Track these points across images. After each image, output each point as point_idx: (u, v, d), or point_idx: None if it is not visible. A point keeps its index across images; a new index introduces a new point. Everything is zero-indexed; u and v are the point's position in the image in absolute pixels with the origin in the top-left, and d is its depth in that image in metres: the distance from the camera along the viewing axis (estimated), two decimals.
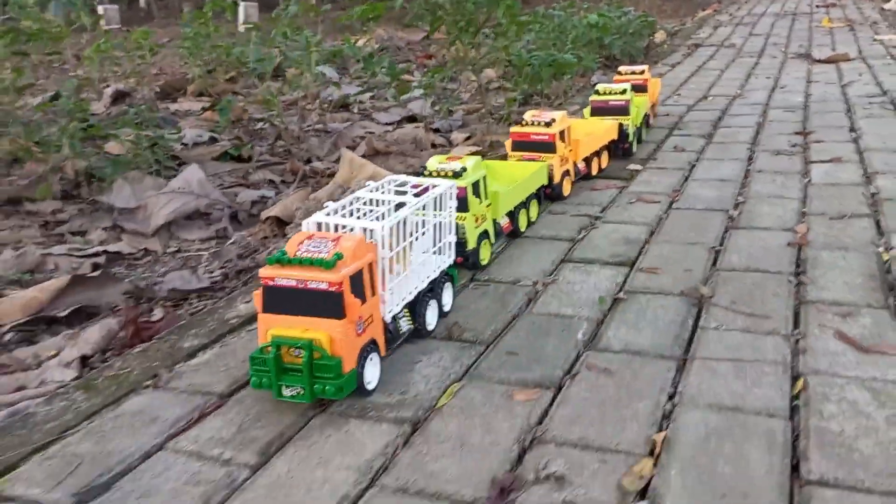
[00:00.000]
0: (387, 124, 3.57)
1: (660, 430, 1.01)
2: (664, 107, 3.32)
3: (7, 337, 1.54)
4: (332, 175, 2.62)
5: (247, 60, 2.90)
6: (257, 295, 1.09)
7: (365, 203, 1.33)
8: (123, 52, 3.41)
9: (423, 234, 1.33)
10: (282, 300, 1.07)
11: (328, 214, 1.24)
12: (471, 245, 1.54)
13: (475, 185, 1.55)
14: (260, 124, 3.48)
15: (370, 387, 1.12)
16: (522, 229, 1.81)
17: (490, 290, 1.50)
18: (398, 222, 1.22)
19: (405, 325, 1.25)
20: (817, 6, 8.22)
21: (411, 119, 3.60)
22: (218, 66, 4.34)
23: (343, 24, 3.53)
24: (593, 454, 0.97)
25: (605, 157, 2.33)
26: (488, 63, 3.09)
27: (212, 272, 1.85)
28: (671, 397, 1.10)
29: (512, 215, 1.75)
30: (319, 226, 1.22)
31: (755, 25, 6.85)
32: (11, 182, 2.48)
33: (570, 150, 2.09)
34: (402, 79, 2.82)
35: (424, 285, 1.31)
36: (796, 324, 1.30)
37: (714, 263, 1.58)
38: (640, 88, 2.68)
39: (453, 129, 3.29)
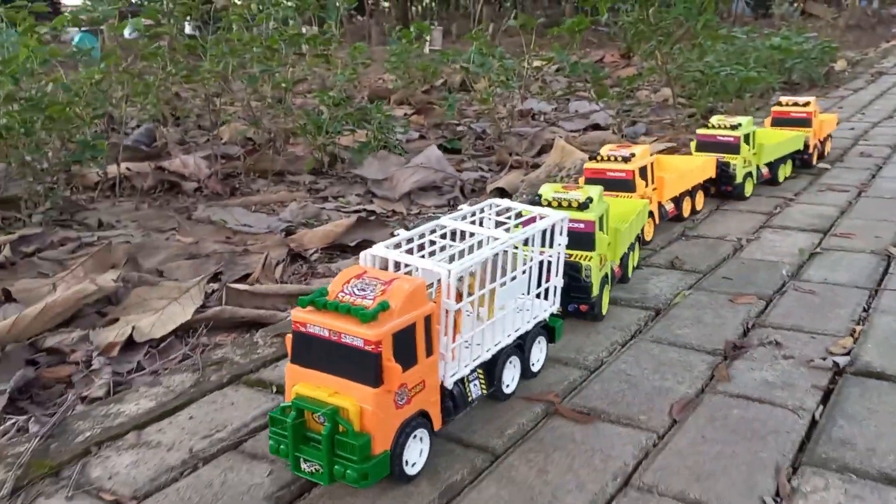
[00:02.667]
0: (572, 131, 3.99)
1: (858, 323, 1.34)
2: (846, 126, 3.51)
3: (314, 257, 2.06)
4: (535, 167, 3.05)
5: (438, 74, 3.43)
6: (288, 339, 0.93)
7: (444, 235, 1.13)
8: (345, 62, 4.08)
9: (515, 277, 1.11)
10: (313, 352, 0.91)
11: (393, 247, 1.05)
12: (595, 291, 1.36)
13: (601, 220, 1.37)
14: (459, 127, 4.00)
15: (411, 471, 0.94)
16: (630, 274, 1.62)
17: (700, 241, 1.86)
18: (475, 265, 1.01)
19: (476, 390, 1.07)
20: None
21: (595, 127, 4.00)
22: (416, 79, 4.95)
23: (550, 36, 4.02)
24: (805, 334, 1.31)
25: (699, 197, 2.12)
26: (680, 74, 3.42)
27: None
28: (866, 309, 1.41)
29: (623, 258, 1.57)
30: (377, 261, 1.03)
31: None
32: (276, 159, 3.10)
33: (654, 189, 1.90)
34: (602, 84, 3.21)
35: (510, 341, 1.12)
36: None
37: None
38: (803, 122, 2.55)
39: (638, 137, 3.65)
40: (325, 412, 0.87)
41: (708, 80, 3.43)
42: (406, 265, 1.04)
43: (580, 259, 1.35)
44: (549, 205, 1.35)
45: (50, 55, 2.54)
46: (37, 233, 2.08)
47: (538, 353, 1.20)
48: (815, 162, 2.64)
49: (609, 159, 1.83)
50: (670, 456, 0.97)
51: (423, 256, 1.07)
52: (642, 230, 1.77)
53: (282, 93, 3.13)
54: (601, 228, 1.37)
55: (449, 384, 1.00)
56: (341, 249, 2.12)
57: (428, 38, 6.18)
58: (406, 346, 0.90)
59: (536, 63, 4.46)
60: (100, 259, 1.83)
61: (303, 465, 0.90)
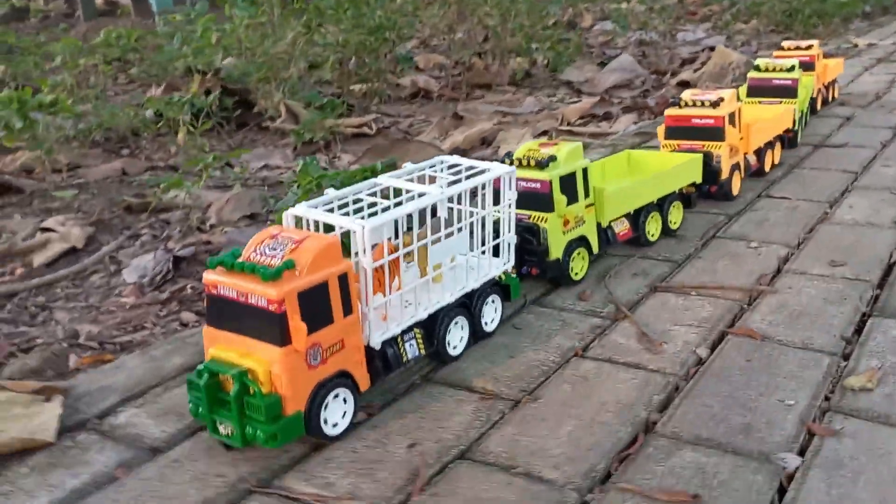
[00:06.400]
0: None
1: None
2: None
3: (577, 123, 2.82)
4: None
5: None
6: (206, 302, 0.96)
7: (381, 193, 1.12)
8: None
9: (452, 234, 1.11)
10: (224, 313, 0.92)
11: (322, 206, 1.05)
12: (554, 254, 1.33)
13: (566, 179, 1.32)
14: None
15: (332, 431, 0.96)
16: (652, 238, 1.55)
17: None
18: (392, 220, 1.02)
19: (412, 350, 1.07)
20: None
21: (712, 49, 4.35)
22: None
23: None
24: None
25: (777, 149, 2.01)
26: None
27: None
28: None
29: (636, 220, 1.52)
30: (298, 221, 1.03)
31: None
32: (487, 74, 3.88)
33: (742, 139, 1.77)
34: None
35: (452, 300, 1.11)
36: None
37: None
38: (806, 67, 2.34)
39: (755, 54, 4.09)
40: (232, 374, 0.89)
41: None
42: (325, 223, 1.02)
43: (537, 221, 1.31)
44: (513, 163, 1.32)
45: None
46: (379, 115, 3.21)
47: (491, 312, 1.19)
48: (819, 108, 2.53)
49: (694, 104, 1.70)
50: None
51: (346, 214, 1.06)
52: (718, 182, 1.71)
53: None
54: (566, 189, 1.32)
55: (375, 344, 1.00)
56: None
57: None
58: (317, 304, 0.91)
59: None
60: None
61: (219, 428, 0.94)
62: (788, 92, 2.11)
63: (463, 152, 2.56)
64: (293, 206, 1.83)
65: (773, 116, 1.97)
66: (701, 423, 1.01)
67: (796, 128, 2.13)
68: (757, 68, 2.18)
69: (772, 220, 1.69)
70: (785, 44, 2.56)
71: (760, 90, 2.13)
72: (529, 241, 1.32)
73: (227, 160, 2.50)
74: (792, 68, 2.12)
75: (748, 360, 1.15)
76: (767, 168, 1.95)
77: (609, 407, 1.05)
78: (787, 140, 2.11)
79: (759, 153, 1.90)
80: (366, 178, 1.81)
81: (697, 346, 1.19)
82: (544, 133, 2.83)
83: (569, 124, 2.95)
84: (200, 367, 0.93)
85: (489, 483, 0.91)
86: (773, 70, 2.14)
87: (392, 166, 1.88)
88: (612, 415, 1.03)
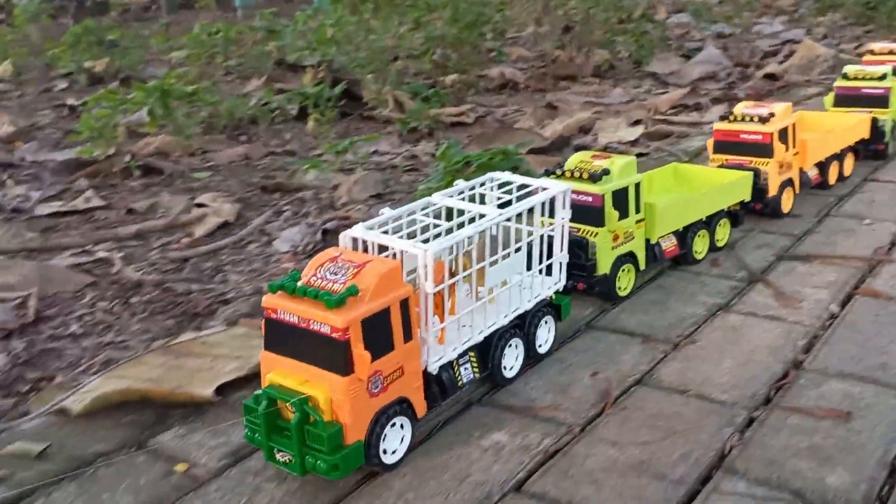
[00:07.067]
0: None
1: None
2: None
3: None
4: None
5: None
6: (263, 326, 0.94)
7: (435, 213, 1.10)
8: None
9: (509, 255, 1.10)
10: (284, 339, 0.91)
11: (377, 227, 1.03)
12: (602, 269, 1.34)
13: (618, 194, 1.32)
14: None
15: (390, 460, 0.95)
16: (698, 256, 1.54)
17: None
18: (455, 244, 1.00)
19: (467, 374, 1.06)
20: None
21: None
22: None
23: None
24: None
25: (848, 161, 1.93)
26: None
27: None
28: None
29: (683, 237, 1.51)
30: (356, 243, 1.01)
31: None
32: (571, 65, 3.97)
33: (796, 154, 1.72)
34: None
35: (506, 322, 1.10)
36: None
37: None
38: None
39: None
40: (294, 402, 0.87)
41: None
42: (386, 247, 1.00)
43: (586, 235, 1.31)
44: (565, 175, 1.32)
45: None
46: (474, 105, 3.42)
47: (545, 333, 1.19)
48: None
49: (743, 119, 1.65)
50: None
51: (403, 237, 1.04)
52: (764, 200, 1.66)
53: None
54: (618, 204, 1.31)
55: (433, 369, 0.99)
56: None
57: None
58: (379, 331, 0.89)
59: None
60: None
61: (277, 455, 0.92)
62: (879, 101, 1.99)
63: (564, 140, 2.75)
64: (438, 185, 2.06)
65: (840, 128, 1.90)
66: (842, 362, 1.19)
67: (888, 139, 2.03)
68: (845, 76, 2.08)
69: (878, 200, 1.85)
70: (874, 47, 2.38)
71: (848, 100, 2.02)
72: (578, 256, 1.31)
73: (350, 146, 2.73)
74: (883, 76, 2.01)
75: (876, 314, 1.32)
76: (832, 181, 1.88)
77: (760, 349, 1.24)
78: (877, 152, 2.04)
79: (823, 166, 1.84)
80: (501, 161, 2.03)
81: (829, 304, 1.37)
82: (637, 122, 3.00)
83: (660, 114, 3.11)
84: (258, 392, 0.92)
85: (669, 402, 1.11)
86: (863, 78, 2.03)
87: (505, 153, 2.07)
88: (763, 354, 1.22)
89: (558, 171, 1.34)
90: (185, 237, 2.12)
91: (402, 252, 0.99)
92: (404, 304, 0.92)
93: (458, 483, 0.95)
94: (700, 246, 1.54)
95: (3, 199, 2.30)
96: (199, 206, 2.31)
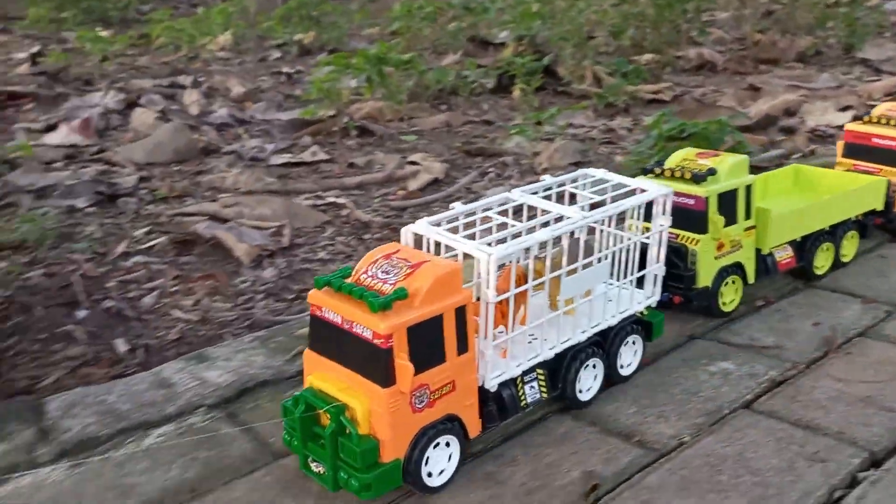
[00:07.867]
0: None
1: None
2: None
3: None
4: None
5: None
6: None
7: (514, 211, 0.98)
8: None
9: (591, 263, 0.96)
10: (328, 339, 0.83)
11: (445, 223, 0.93)
12: (702, 281, 1.19)
13: (725, 197, 1.17)
14: None
15: (434, 483, 0.85)
16: (820, 271, 1.37)
17: None
18: (523, 249, 0.89)
19: (533, 393, 0.94)
20: None
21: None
22: None
23: None
24: None
25: None
26: None
27: None
28: None
29: (801, 248, 1.34)
30: (419, 241, 0.91)
31: None
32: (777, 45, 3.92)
33: None
34: None
35: (583, 338, 0.97)
36: None
37: None
38: None
39: None
40: (329, 409, 0.80)
41: None
42: (447, 246, 0.89)
43: (686, 241, 1.17)
44: (664, 174, 1.18)
45: None
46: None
47: (630, 355, 1.05)
48: None
49: (881, 122, 1.46)
50: None
51: (475, 235, 0.93)
52: (889, 214, 1.44)
53: None
54: (725, 209, 1.17)
55: (491, 386, 0.88)
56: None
57: None
58: (429, 341, 0.80)
59: None
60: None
61: (311, 465, 0.85)
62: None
63: (770, 119, 2.74)
64: (650, 152, 2.14)
65: None
66: None
67: None
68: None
69: None
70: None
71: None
72: (675, 265, 1.17)
73: (557, 113, 2.85)
74: None
75: None
76: None
77: None
78: None
79: None
80: (716, 131, 2.07)
81: None
82: (847, 108, 2.92)
83: (873, 101, 3.01)
84: (297, 394, 0.85)
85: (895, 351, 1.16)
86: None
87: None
88: None
89: (657, 170, 1.20)
90: (401, 189, 2.32)
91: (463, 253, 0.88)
92: (460, 312, 0.83)
93: (688, 396, 1.05)
94: (822, 261, 1.37)
95: (241, 149, 2.61)
96: (412, 163, 2.51)
